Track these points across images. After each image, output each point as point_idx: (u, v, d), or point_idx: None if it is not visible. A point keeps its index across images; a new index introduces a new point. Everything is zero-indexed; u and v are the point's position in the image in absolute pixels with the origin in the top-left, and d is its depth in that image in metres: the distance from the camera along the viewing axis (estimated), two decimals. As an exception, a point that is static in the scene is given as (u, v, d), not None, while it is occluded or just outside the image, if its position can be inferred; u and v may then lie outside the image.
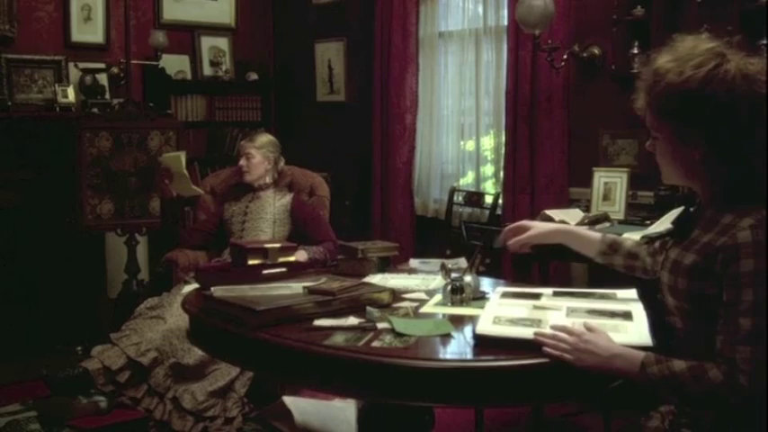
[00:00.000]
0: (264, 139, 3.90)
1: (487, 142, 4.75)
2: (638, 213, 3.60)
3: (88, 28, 5.02)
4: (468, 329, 1.91)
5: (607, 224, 3.49)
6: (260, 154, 3.80)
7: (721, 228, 1.59)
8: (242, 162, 3.81)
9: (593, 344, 1.65)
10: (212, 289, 2.15)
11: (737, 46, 1.63)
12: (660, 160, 1.72)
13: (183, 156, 3.84)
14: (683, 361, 1.56)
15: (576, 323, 1.82)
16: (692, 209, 1.76)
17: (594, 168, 3.83)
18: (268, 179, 3.85)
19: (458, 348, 1.81)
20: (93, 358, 3.26)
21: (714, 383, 1.51)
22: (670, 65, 1.61)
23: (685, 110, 1.59)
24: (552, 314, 1.91)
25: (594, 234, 2.10)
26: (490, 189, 4.66)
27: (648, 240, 1.95)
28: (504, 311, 1.95)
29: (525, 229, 2.12)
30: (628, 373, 1.61)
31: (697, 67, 1.57)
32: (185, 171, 3.79)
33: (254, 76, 5.67)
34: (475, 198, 4.48)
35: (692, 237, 1.67)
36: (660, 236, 1.87)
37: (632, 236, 2.96)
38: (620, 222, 3.55)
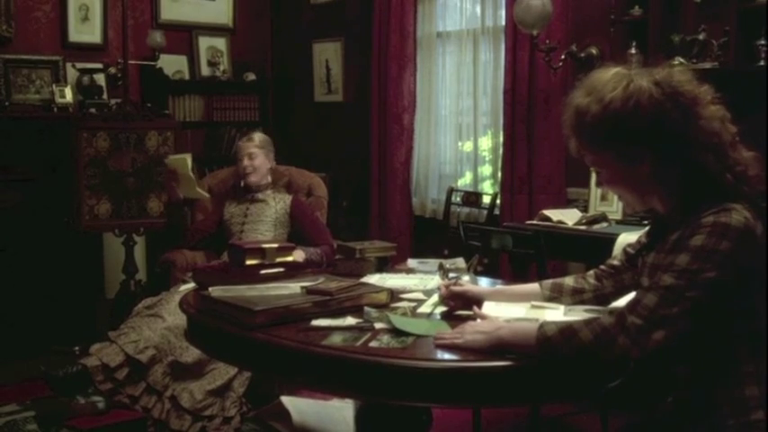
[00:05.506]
0: (263, 136, 3.88)
1: (485, 142, 4.75)
2: (636, 213, 3.59)
3: (86, 28, 5.02)
4: (465, 329, 1.90)
5: (605, 224, 3.50)
6: (262, 153, 3.77)
7: (690, 224, 1.60)
8: (245, 163, 3.75)
9: (480, 325, 1.75)
10: (210, 289, 2.15)
11: (638, 63, 1.70)
12: (616, 190, 1.78)
13: (188, 158, 3.80)
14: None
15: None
16: (658, 217, 1.79)
17: (592, 168, 3.82)
18: (269, 178, 3.83)
19: (455, 348, 1.81)
20: (92, 355, 3.25)
21: (603, 324, 1.56)
22: (587, 99, 1.66)
23: (619, 130, 1.63)
24: (550, 313, 1.91)
25: (531, 285, 2.10)
26: (488, 189, 4.66)
27: (628, 255, 1.94)
28: (501, 311, 1.95)
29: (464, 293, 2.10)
30: (524, 343, 1.63)
31: (613, 90, 1.63)
32: (191, 173, 3.77)
33: (251, 77, 5.67)
34: (473, 198, 4.49)
35: (665, 240, 1.67)
36: (639, 251, 1.88)
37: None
38: (618, 222, 3.55)
